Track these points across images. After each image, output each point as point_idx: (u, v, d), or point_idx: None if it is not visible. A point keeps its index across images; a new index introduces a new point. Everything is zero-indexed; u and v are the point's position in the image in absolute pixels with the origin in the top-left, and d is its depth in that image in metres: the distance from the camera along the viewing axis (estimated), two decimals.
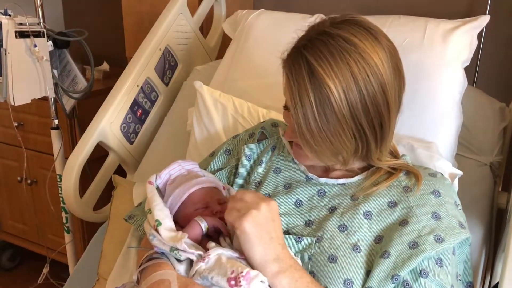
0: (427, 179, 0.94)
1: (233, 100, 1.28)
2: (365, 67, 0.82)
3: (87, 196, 1.43)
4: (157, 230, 0.83)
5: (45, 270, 1.64)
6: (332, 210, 0.92)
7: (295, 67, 0.83)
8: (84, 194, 1.43)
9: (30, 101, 1.49)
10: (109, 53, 2.34)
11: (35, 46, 1.43)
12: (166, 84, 1.62)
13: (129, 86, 1.46)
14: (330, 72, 0.81)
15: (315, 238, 0.88)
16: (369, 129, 0.85)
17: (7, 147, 2.24)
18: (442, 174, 0.98)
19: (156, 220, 0.84)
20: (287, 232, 0.91)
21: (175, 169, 0.99)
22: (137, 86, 1.49)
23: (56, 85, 1.58)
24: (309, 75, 0.81)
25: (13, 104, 1.42)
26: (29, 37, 1.42)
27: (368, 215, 0.89)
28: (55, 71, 1.55)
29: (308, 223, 0.92)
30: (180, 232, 0.82)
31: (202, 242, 0.86)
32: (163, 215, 0.86)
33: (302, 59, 0.83)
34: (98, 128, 1.38)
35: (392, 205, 0.90)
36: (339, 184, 0.96)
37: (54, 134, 1.71)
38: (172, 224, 0.85)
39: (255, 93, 1.34)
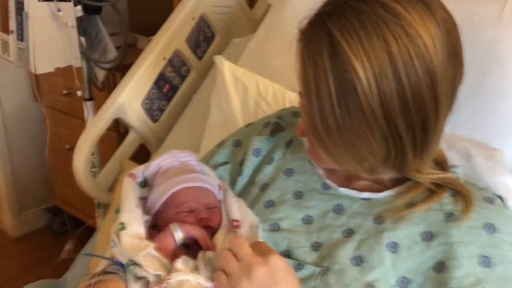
0: (481, 206, 0.70)
1: (257, 80, 1.09)
2: (408, 47, 0.60)
3: (102, 175, 1.33)
4: (118, 236, 0.68)
5: (67, 247, 1.59)
6: (349, 233, 0.72)
7: (313, 41, 0.64)
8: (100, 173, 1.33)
9: (53, 70, 1.40)
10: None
11: (59, 10, 1.32)
12: (199, 58, 1.46)
13: (154, 59, 1.32)
14: (359, 51, 0.60)
15: (319, 269, 0.69)
16: (406, 131, 0.64)
17: (58, 114, 2.21)
18: (502, 200, 0.74)
19: (121, 223, 0.70)
20: (286, 254, 0.73)
21: (167, 160, 0.84)
22: (164, 59, 1.34)
23: (83, 54, 1.48)
24: (331, 53, 0.61)
25: (34, 72, 1.33)
26: (52, 0, 1.32)
27: (393, 247, 0.69)
28: (83, 39, 1.44)
29: (315, 246, 0.73)
30: (145, 241, 0.67)
31: (178, 254, 0.70)
32: (131, 217, 0.71)
33: (324, 30, 0.63)
34: (116, 104, 1.26)
35: (427, 237, 0.69)
36: (362, 199, 0.76)
37: (87, 106, 1.63)
38: (140, 230, 0.71)
39: (286, 73, 1.12)
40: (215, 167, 0.89)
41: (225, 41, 1.51)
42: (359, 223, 0.73)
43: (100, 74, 1.61)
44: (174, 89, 1.41)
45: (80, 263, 1.23)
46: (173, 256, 0.71)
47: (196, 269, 0.68)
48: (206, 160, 0.92)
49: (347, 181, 0.78)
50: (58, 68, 1.41)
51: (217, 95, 1.14)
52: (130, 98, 1.28)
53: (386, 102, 0.61)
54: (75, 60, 1.43)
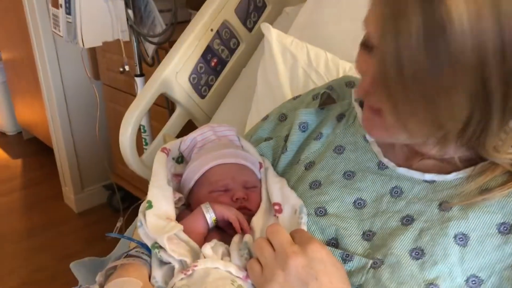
0: None
1: (307, 50, 0.99)
2: None
3: (148, 153, 1.28)
4: (145, 215, 0.62)
5: (119, 224, 1.58)
6: (408, 221, 0.62)
7: None
8: (144, 152, 1.29)
9: (101, 44, 1.37)
10: None
11: None
12: (250, 30, 1.37)
13: (201, 31, 1.24)
14: None
15: (371, 261, 0.59)
16: (498, 91, 0.50)
17: (115, 91, 2.22)
18: None
19: (148, 201, 0.64)
20: (334, 242, 0.63)
21: (204, 134, 0.77)
22: (211, 30, 1.27)
23: (131, 27, 1.43)
24: None
25: (82, 46, 1.31)
26: None
27: (462, 239, 0.58)
28: (130, 12, 1.40)
29: (367, 235, 0.63)
30: (173, 222, 0.61)
31: (210, 238, 0.63)
32: (159, 195, 0.65)
33: None
34: (161, 78, 1.20)
35: (506, 229, 0.57)
36: (425, 181, 0.65)
37: (138, 82, 1.60)
38: (168, 209, 0.65)
39: (341, 41, 1.03)
40: (257, 142, 0.81)
41: (277, 11, 1.41)
42: (421, 209, 0.62)
43: (150, 49, 1.56)
44: (222, 63, 1.34)
45: (124, 241, 1.20)
46: (203, 240, 0.64)
47: (227, 256, 0.60)
48: (250, 135, 0.84)
49: (408, 160, 0.67)
50: (105, 42, 1.37)
51: (264, 67, 1.05)
52: (176, 72, 1.22)
53: (481, 50, 0.48)
54: (123, 34, 1.39)
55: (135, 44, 1.51)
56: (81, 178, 2.46)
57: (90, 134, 2.37)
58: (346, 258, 0.61)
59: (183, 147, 0.77)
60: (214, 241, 0.62)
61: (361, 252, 0.61)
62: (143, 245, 0.66)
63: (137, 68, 1.57)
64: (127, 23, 1.41)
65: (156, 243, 0.62)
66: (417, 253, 0.59)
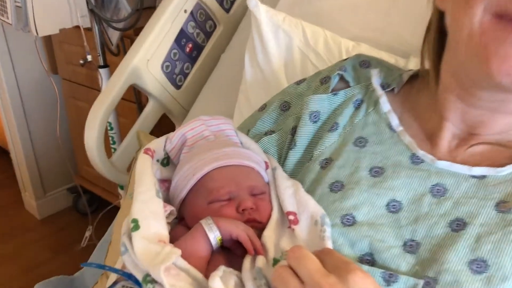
0: None
1: (303, 27, 0.86)
2: None
3: (119, 153, 1.13)
4: (130, 238, 0.48)
5: (87, 234, 1.42)
6: (459, 226, 0.51)
7: None
8: (114, 153, 1.14)
9: (58, 31, 1.19)
10: None
11: None
12: (227, 10, 1.23)
13: (173, 12, 1.09)
14: None
15: (422, 281, 0.47)
16: None
17: (77, 86, 2.03)
18: None
19: (133, 220, 0.50)
20: (368, 259, 0.51)
21: (196, 129, 0.63)
22: (185, 12, 1.12)
23: (92, 12, 1.26)
24: None
25: (36, 34, 1.13)
26: None
27: None
28: None
29: (409, 246, 0.51)
30: (168, 247, 0.47)
31: (215, 262, 0.50)
32: (147, 210, 0.52)
33: None
34: (130, 67, 1.05)
35: None
36: (473, 176, 0.54)
37: (102, 74, 1.43)
38: (160, 227, 0.51)
39: (340, 17, 0.90)
40: (256, 138, 0.68)
41: None
42: (473, 210, 0.51)
43: (114, 36, 1.40)
44: (198, 48, 1.19)
45: (99, 252, 1.05)
46: (207, 265, 0.50)
47: (241, 286, 0.47)
48: (246, 129, 0.71)
49: (452, 151, 0.56)
50: (63, 30, 1.19)
51: (252, 50, 0.91)
52: (147, 60, 1.07)
53: None
54: (83, 19, 1.22)
55: (97, 30, 1.34)
56: (42, 182, 2.29)
57: (50, 134, 2.21)
58: (389, 279, 0.48)
59: (169, 146, 0.63)
60: (222, 269, 0.48)
61: (406, 269, 0.49)
62: (131, 277, 0.51)
63: (100, 58, 1.41)
64: (87, 7, 1.24)
65: (148, 275, 0.48)
66: (478, 266, 0.47)
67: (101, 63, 1.42)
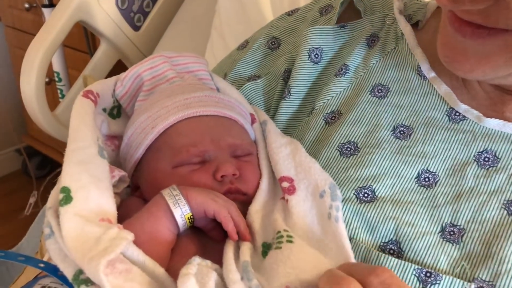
0: None
1: None
2: None
3: (64, 105, 0.95)
4: (58, 215, 0.35)
5: (32, 200, 1.24)
6: None
7: None
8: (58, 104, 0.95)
9: None
10: None
11: None
12: None
13: None
14: None
15: (473, 285, 0.35)
16: None
17: (22, 35, 1.81)
18: None
19: (64, 190, 0.36)
20: (393, 249, 0.38)
21: (157, 68, 0.47)
22: None
23: None
24: None
25: None
26: None
27: None
28: None
29: (450, 232, 0.38)
30: (114, 228, 0.34)
31: (182, 251, 0.35)
32: (85, 175, 0.37)
33: None
34: (76, 0, 0.85)
35: None
36: None
37: (46, 14, 1.22)
38: (104, 200, 0.37)
39: None
40: (237, 84, 0.52)
41: None
42: None
43: None
44: None
45: (38, 224, 0.89)
46: (171, 255, 0.36)
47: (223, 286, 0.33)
48: (222, 73, 0.55)
49: (496, 105, 0.42)
50: None
51: None
52: None
53: None
54: None
55: None
56: None
57: None
58: (426, 278, 0.35)
59: (120, 90, 0.46)
60: (196, 261, 0.33)
61: (447, 265, 0.36)
62: (55, 273, 0.35)
63: None
64: None
65: (81, 272, 0.32)
66: None
67: (46, 1, 1.22)
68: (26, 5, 1.69)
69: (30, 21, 1.73)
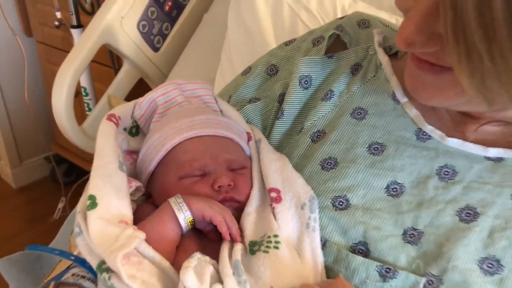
0: None
1: None
2: None
3: (90, 120, 1.04)
4: (86, 218, 0.43)
5: (60, 205, 1.33)
6: (469, 216, 0.44)
7: None
8: (86, 119, 1.04)
9: None
10: None
11: None
12: None
13: None
14: None
15: (424, 279, 0.41)
16: None
17: (53, 50, 1.90)
18: None
19: (90, 197, 0.43)
20: (362, 249, 0.44)
21: (169, 94, 0.55)
22: None
23: None
24: None
25: None
26: None
27: None
28: None
29: (411, 236, 0.44)
30: (130, 229, 0.41)
31: (186, 248, 0.42)
32: (108, 186, 0.45)
33: None
34: (102, 25, 0.95)
35: None
36: (488, 158, 0.47)
37: (74, 34, 1.31)
38: (122, 206, 0.45)
39: None
40: (239, 105, 0.59)
41: None
42: (487, 199, 0.44)
43: None
44: (179, 6, 1.10)
45: (69, 226, 0.97)
46: (176, 251, 0.43)
47: (219, 283, 0.40)
48: (227, 95, 0.62)
49: (458, 126, 0.48)
50: None
51: (236, 8, 0.82)
52: (121, 18, 0.97)
53: None
54: None
55: None
56: (17, 149, 2.19)
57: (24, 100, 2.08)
58: (386, 274, 0.41)
59: (138, 112, 0.54)
60: (196, 256, 0.40)
61: (405, 263, 0.42)
62: (84, 263, 0.44)
63: (73, 17, 1.29)
64: None
65: (103, 263, 0.40)
66: (490, 265, 0.40)
67: (74, 23, 1.31)
68: (56, 23, 1.79)
69: (60, 37, 1.82)
